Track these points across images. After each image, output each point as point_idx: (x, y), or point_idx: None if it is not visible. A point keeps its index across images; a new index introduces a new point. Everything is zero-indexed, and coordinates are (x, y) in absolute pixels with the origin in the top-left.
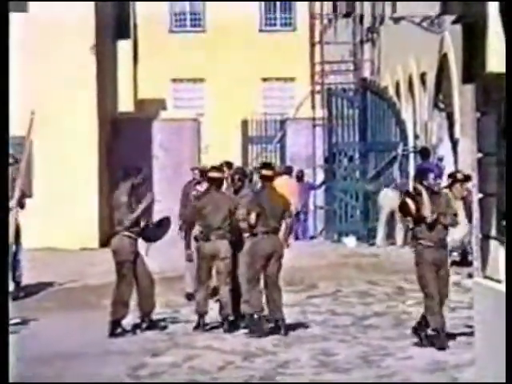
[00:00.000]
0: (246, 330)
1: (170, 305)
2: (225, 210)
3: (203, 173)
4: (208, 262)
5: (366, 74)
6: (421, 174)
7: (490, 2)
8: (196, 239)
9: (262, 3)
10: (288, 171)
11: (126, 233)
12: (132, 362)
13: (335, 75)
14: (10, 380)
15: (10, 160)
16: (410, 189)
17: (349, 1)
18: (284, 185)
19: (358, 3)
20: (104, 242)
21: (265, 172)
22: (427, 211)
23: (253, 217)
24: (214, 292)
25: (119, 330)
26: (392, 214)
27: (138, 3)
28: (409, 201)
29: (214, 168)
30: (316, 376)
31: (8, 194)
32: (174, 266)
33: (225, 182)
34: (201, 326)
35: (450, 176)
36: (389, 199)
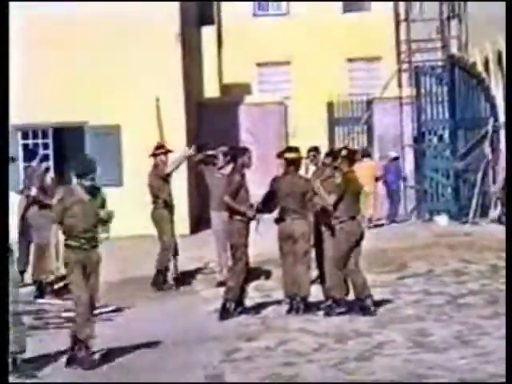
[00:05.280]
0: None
1: (259, 289)
2: (299, 193)
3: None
4: (287, 243)
5: (454, 50)
6: None
7: None
8: (276, 221)
9: None
10: (367, 154)
11: (239, 216)
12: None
13: (421, 53)
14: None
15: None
16: None
17: None
18: (368, 167)
19: None
20: (194, 229)
21: (350, 155)
22: None
23: (333, 198)
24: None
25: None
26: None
27: None
28: None
29: (289, 149)
30: (412, 356)
31: (8, 192)
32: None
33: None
34: (293, 309)
35: None
36: None
